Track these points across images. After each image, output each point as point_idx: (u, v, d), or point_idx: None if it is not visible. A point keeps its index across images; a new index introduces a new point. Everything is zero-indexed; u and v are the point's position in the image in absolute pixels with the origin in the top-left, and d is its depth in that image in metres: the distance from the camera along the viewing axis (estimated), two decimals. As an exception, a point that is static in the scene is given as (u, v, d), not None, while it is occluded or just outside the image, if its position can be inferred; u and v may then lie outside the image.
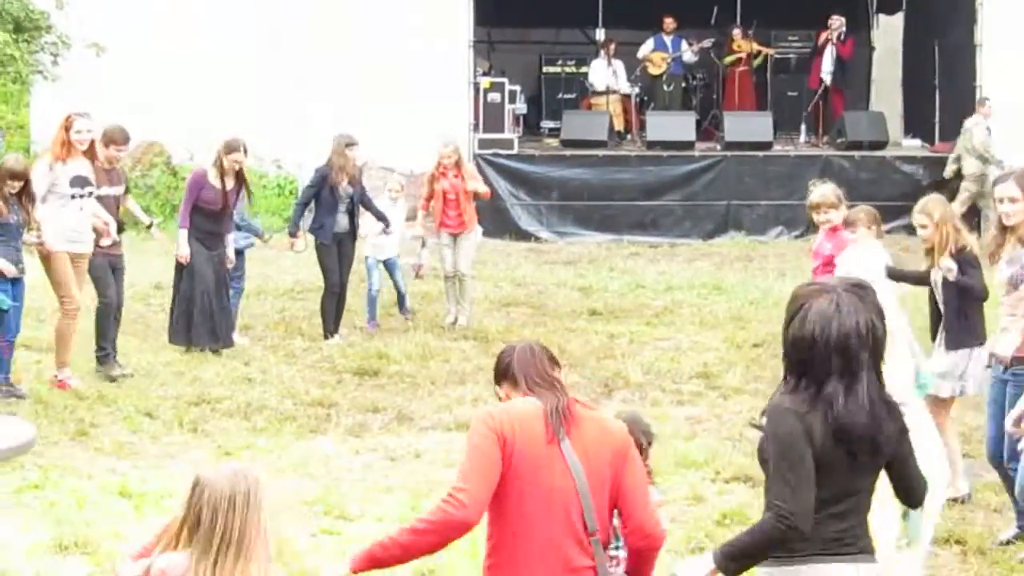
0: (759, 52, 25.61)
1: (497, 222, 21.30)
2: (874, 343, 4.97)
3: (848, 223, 10.72)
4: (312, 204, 14.73)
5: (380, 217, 15.00)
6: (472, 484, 5.10)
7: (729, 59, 25.58)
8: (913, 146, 24.08)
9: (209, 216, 13.62)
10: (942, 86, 23.75)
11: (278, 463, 10.51)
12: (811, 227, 21.21)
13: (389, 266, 15.48)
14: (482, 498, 5.11)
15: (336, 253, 14.63)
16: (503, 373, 5.46)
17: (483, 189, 15.87)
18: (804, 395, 4.98)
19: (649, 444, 6.80)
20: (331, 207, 14.54)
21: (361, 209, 14.89)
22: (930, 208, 9.87)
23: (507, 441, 5.15)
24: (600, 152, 22.49)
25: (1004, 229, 8.86)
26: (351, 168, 14.62)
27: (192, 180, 13.82)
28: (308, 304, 15.88)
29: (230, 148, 13.62)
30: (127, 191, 13.50)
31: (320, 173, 14.67)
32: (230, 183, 13.64)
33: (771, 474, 5.01)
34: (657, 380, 13.20)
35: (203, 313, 13.52)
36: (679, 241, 21.62)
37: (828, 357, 4.93)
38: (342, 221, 14.62)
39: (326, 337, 14.44)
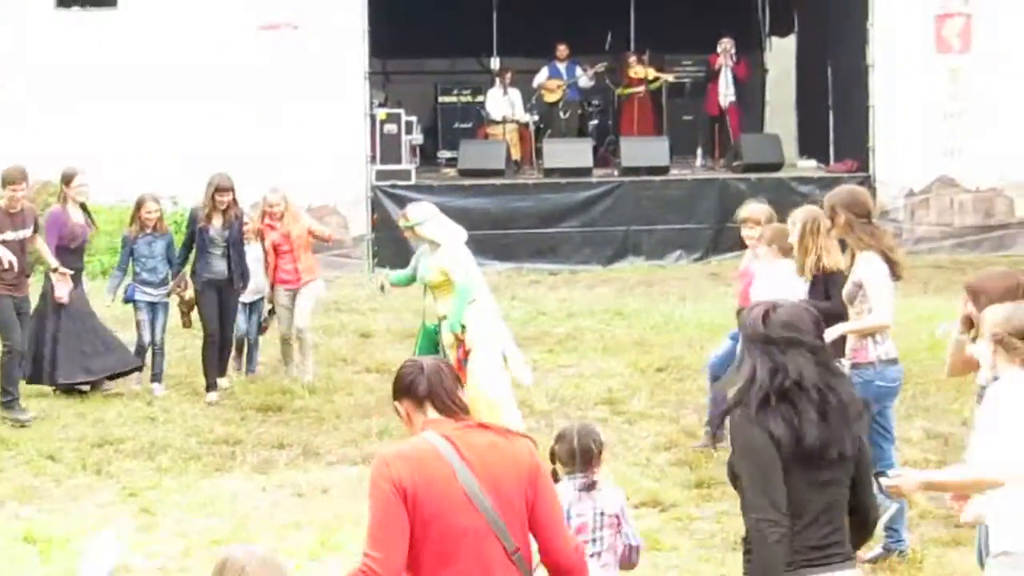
0: (656, 78, 25.87)
1: (397, 253, 21.29)
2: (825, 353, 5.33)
3: (768, 241, 10.93)
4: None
5: (240, 269, 13.85)
6: (385, 550, 5.03)
7: (626, 90, 25.82)
8: (809, 167, 24.43)
9: (74, 253, 13.62)
10: (836, 106, 24.14)
11: (184, 502, 10.52)
12: (710, 249, 22.03)
13: (250, 311, 14.53)
14: (397, 563, 5.05)
15: (215, 300, 13.74)
16: (406, 390, 5.32)
17: (325, 231, 14.97)
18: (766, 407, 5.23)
19: (600, 452, 7.10)
20: (204, 251, 13.66)
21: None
22: (794, 217, 10.14)
23: (408, 493, 5.06)
24: (498, 181, 22.62)
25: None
26: (229, 210, 13.62)
27: (51, 219, 13.54)
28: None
29: (68, 177, 13.57)
30: (35, 231, 13.28)
31: (191, 214, 14.10)
32: (80, 215, 13.61)
33: (747, 487, 5.24)
34: (562, 407, 13.32)
35: (67, 350, 13.48)
36: (579, 268, 21.77)
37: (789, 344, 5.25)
38: (218, 266, 13.69)
39: (207, 390, 13.62)
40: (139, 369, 13.98)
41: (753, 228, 11.28)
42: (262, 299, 14.52)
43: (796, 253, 9.91)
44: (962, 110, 21.87)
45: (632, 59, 25.81)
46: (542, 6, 26.03)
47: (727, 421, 5.41)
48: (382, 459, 5.17)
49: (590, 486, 7.06)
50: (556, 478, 6.78)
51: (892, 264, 9.11)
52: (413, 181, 22.34)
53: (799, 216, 10.00)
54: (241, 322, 14.31)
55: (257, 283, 14.27)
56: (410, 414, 5.32)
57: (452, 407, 5.27)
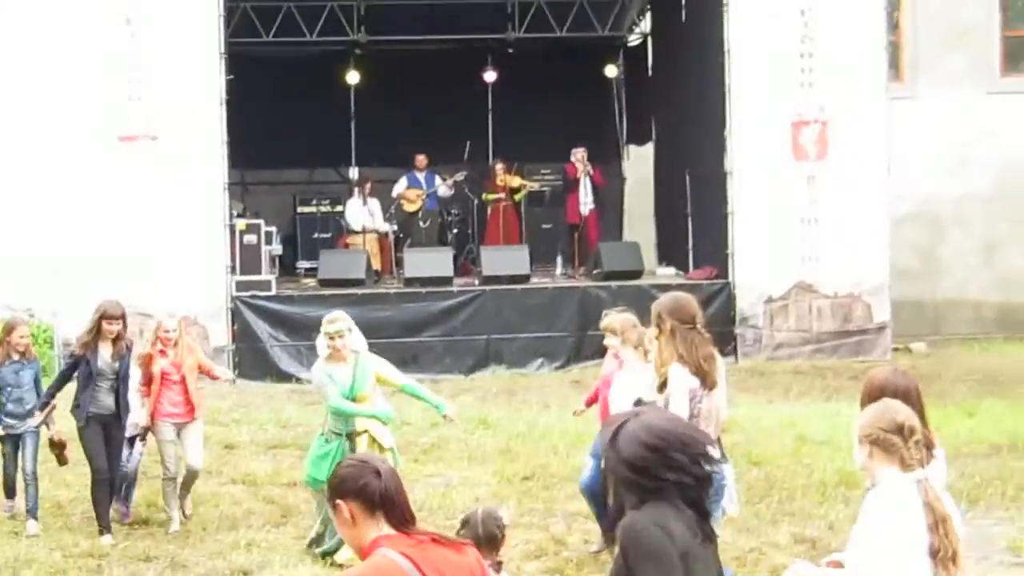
0: (521, 186, 26.23)
1: (257, 364, 21.43)
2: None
3: (607, 330, 11.35)
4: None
5: (126, 403, 12.90)
6: None
7: (491, 196, 26.16)
8: (668, 274, 24.80)
9: None
10: (694, 214, 24.53)
11: (50, 618, 10.42)
12: (572, 357, 22.25)
13: (131, 443, 13.33)
14: None
15: (100, 435, 12.72)
16: (358, 491, 5.04)
17: (216, 369, 14.14)
18: (653, 507, 5.03)
19: (503, 536, 7.51)
20: (89, 383, 12.68)
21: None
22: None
23: None
24: (358, 291, 22.62)
25: None
26: (119, 339, 12.76)
27: None
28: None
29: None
30: None
31: (77, 342, 13.11)
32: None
33: None
34: (430, 517, 13.30)
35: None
36: (441, 377, 21.76)
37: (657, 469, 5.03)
38: (105, 400, 12.74)
39: (100, 533, 12.56)
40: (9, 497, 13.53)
41: (609, 338, 11.55)
42: (137, 435, 13.33)
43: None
44: (819, 216, 22.23)
45: (499, 167, 26.19)
46: (400, 116, 26.43)
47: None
48: None
49: (497, 567, 7.41)
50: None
51: (703, 375, 9.24)
52: (273, 291, 22.35)
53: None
54: (124, 455, 13.19)
55: (135, 415, 13.19)
56: (356, 516, 5.03)
57: (406, 519, 5.07)
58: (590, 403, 12.41)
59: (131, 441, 13.24)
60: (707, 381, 9.23)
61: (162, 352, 13.10)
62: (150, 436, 13.29)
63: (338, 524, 5.12)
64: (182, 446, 13.20)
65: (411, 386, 12.08)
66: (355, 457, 5.36)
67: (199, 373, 13.44)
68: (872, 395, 7.17)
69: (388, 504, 5.00)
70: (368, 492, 5.00)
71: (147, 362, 13.03)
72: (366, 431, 11.50)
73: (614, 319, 11.66)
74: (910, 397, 7.11)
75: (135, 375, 13.09)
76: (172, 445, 13.12)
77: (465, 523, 7.59)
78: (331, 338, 11.60)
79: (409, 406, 19.33)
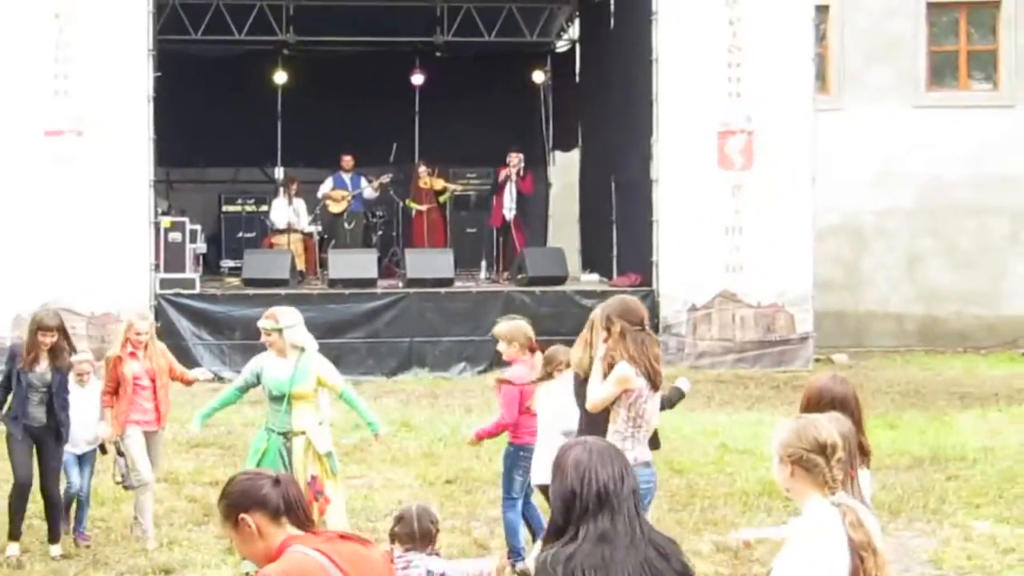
0: (444, 189, 26.28)
1: (180, 362, 21.30)
2: (635, 488, 5.15)
3: (549, 362, 11.04)
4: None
5: (59, 420, 12.04)
6: None
7: (413, 204, 26.21)
8: (591, 280, 24.94)
9: None
10: (619, 221, 24.68)
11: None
12: (495, 362, 22.24)
13: (82, 464, 12.67)
14: None
15: (29, 448, 12.02)
16: (260, 502, 5.03)
17: (189, 373, 13.31)
18: (580, 542, 5.02)
19: (437, 531, 7.83)
20: (20, 395, 11.98)
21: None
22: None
23: None
24: (282, 291, 22.50)
25: None
26: (56, 351, 11.98)
27: None
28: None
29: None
30: None
31: (10, 351, 12.51)
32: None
33: None
34: (352, 519, 13.30)
35: None
36: (363, 379, 21.69)
37: (591, 503, 5.05)
38: (35, 413, 12.00)
39: (10, 538, 11.97)
40: None
41: (499, 344, 11.65)
42: (96, 449, 12.73)
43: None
44: (744, 226, 22.40)
45: (422, 169, 26.23)
46: (327, 117, 26.43)
47: None
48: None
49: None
50: None
51: (652, 375, 9.27)
52: (197, 290, 22.34)
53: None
54: (73, 477, 12.49)
55: (91, 430, 12.56)
56: (261, 527, 5.00)
57: (307, 520, 5.10)
58: (483, 437, 12.10)
59: (81, 459, 12.60)
60: (655, 382, 9.29)
61: (132, 355, 12.50)
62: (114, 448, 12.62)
63: (240, 541, 5.07)
64: (153, 454, 12.75)
65: (350, 396, 11.85)
66: (247, 472, 5.29)
67: (170, 379, 12.90)
68: (811, 401, 7.25)
69: (292, 509, 5.01)
70: (271, 501, 4.99)
71: (114, 365, 12.44)
72: (304, 432, 11.31)
73: (503, 328, 11.70)
74: (848, 404, 7.18)
75: (91, 388, 12.65)
76: (144, 452, 12.53)
77: (400, 519, 7.81)
78: (263, 334, 11.55)
79: (330, 408, 19.45)
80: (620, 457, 5.18)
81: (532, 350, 11.47)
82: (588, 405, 9.28)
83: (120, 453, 12.43)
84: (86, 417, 12.42)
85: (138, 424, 12.49)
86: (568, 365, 10.44)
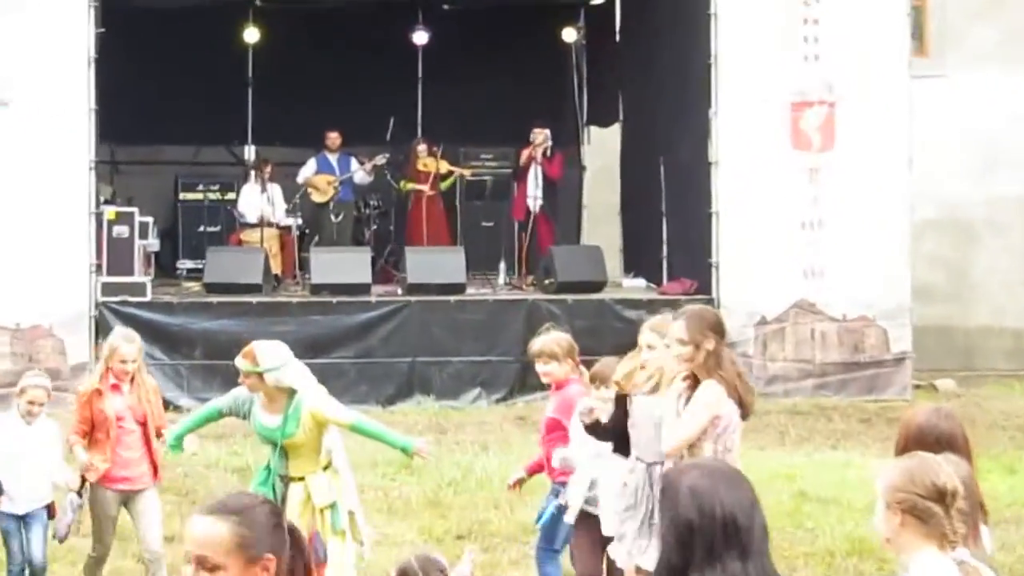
0: (449, 173, 26.12)
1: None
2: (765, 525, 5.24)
3: (596, 379, 10.98)
4: None
5: None
6: None
7: (410, 185, 26.05)
8: (636, 287, 24.81)
9: None
10: (670, 213, 24.49)
11: None
12: (516, 388, 22.12)
13: (27, 524, 12.00)
14: None
15: None
16: (282, 550, 4.97)
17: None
18: None
19: None
20: None
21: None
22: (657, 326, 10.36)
23: None
24: (253, 299, 22.47)
25: None
26: None
27: None
28: None
29: None
30: None
31: None
32: None
33: None
34: (340, 584, 13.21)
35: None
36: (354, 408, 21.54)
37: (716, 538, 5.14)
38: None
39: None
40: None
41: (548, 363, 11.43)
42: (47, 507, 12.12)
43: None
44: (824, 219, 22.22)
45: (421, 148, 26.12)
46: (309, 85, 26.40)
47: None
48: None
49: None
50: None
51: (746, 401, 9.49)
52: (148, 297, 22.14)
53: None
54: (14, 548, 11.94)
55: (39, 481, 12.03)
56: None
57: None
58: (533, 472, 12.15)
59: (26, 521, 11.97)
60: (747, 409, 9.52)
61: (115, 388, 11.97)
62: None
63: None
64: (134, 521, 12.30)
65: (364, 425, 11.38)
66: (273, 505, 5.15)
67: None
68: (909, 442, 7.13)
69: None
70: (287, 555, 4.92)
71: (90, 401, 11.91)
72: (303, 479, 11.12)
73: (550, 340, 11.55)
74: (956, 445, 7.07)
75: (46, 426, 12.06)
76: (110, 520, 12.11)
77: (403, 574, 7.58)
78: (241, 377, 11.14)
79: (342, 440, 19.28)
80: (747, 483, 5.29)
81: (578, 365, 11.47)
82: (670, 445, 9.43)
83: (80, 497, 11.88)
84: (31, 465, 11.82)
85: (118, 482, 11.94)
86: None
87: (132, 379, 12.02)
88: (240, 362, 11.05)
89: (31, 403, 11.89)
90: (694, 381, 9.45)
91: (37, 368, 15.72)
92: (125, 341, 12.12)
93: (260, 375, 10.94)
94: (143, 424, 11.98)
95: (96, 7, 21.63)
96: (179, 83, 25.99)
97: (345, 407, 11.60)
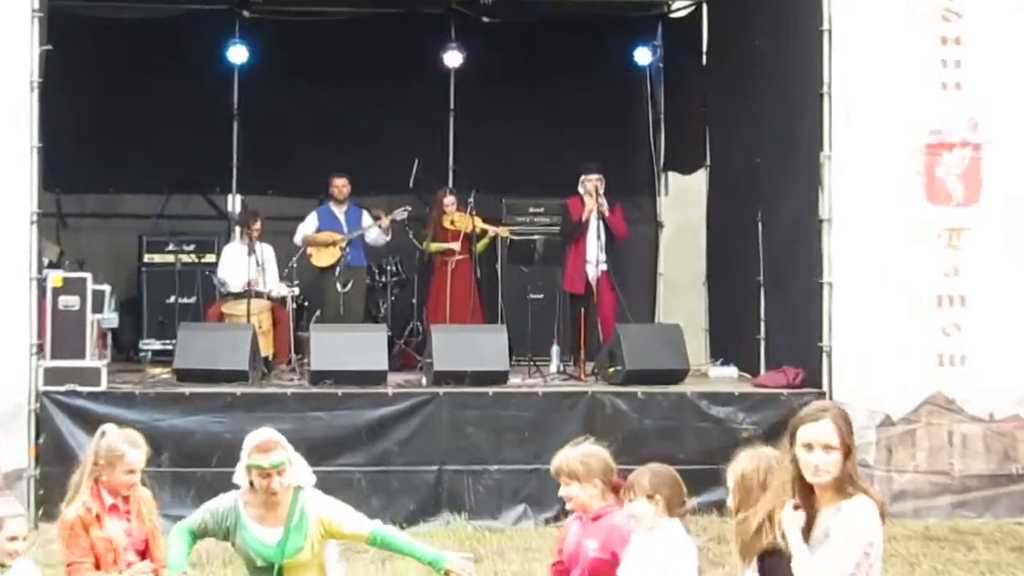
0: (483, 231, 26.09)
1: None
2: None
3: (628, 489, 11.03)
4: None
5: None
6: None
7: (435, 246, 26.06)
8: (726, 377, 24.82)
9: None
10: (770, 284, 24.56)
11: None
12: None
13: None
14: None
15: None
16: None
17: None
18: None
19: None
20: None
21: None
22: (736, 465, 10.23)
23: None
24: (238, 389, 22.38)
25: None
26: None
27: None
28: None
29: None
30: None
31: None
32: None
33: None
34: None
35: None
36: (367, 526, 21.66)
37: None
38: None
39: None
40: None
41: (569, 485, 11.38)
42: None
43: (738, 525, 10.01)
44: (967, 293, 22.15)
45: (448, 200, 26.05)
46: (310, 117, 26.46)
47: None
48: None
49: None
50: None
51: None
52: (103, 386, 22.07)
53: (742, 464, 10.13)
54: None
55: None
56: None
57: None
58: None
59: None
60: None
61: (113, 509, 11.56)
62: None
63: None
64: None
65: (385, 533, 11.49)
66: None
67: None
68: None
69: None
70: None
71: (83, 529, 11.37)
72: None
73: (573, 456, 11.47)
74: None
75: (23, 570, 11.65)
76: None
77: None
78: (264, 475, 11.18)
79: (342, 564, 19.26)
80: None
81: (615, 489, 11.35)
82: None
83: None
84: None
85: None
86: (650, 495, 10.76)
87: (131, 488, 11.68)
88: (267, 457, 11.16)
89: (12, 539, 11.49)
90: (807, 503, 9.36)
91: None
92: (131, 445, 11.68)
93: (280, 468, 11.15)
94: (144, 553, 11.68)
95: (41, 18, 21.66)
96: (145, 115, 26.09)
97: (360, 514, 11.62)
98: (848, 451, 9.21)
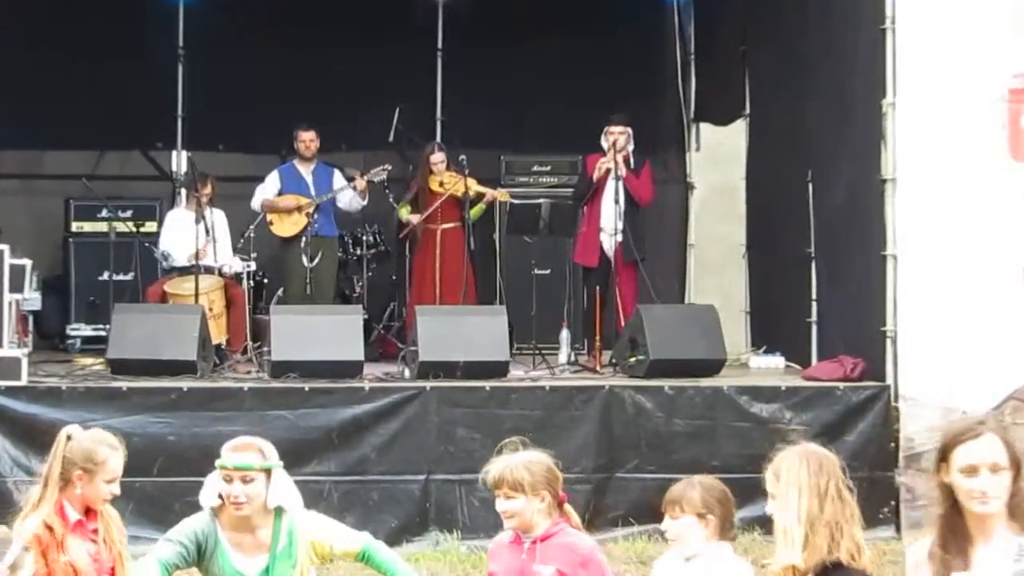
0: (480, 196, 26.09)
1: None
2: None
3: (672, 504, 11.11)
4: None
5: None
6: None
7: (405, 212, 26.08)
8: (769, 368, 25.01)
9: None
10: (824, 256, 24.66)
11: None
12: (585, 519, 22.04)
13: None
14: None
15: None
16: None
17: None
18: None
19: None
20: None
21: None
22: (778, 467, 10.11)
23: None
24: (185, 383, 22.37)
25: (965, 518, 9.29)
26: None
27: None
28: None
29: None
30: None
31: None
32: None
33: None
34: None
35: None
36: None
37: None
38: None
39: None
40: None
41: (511, 499, 11.38)
42: None
43: (784, 534, 9.98)
44: (1057, 265, 22.24)
45: (437, 157, 26.06)
46: (270, 60, 26.48)
47: None
48: None
49: None
50: None
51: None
52: (23, 380, 22.17)
53: (788, 462, 10.07)
54: None
55: None
56: None
57: None
58: None
59: None
60: None
61: (79, 526, 11.44)
62: None
63: None
64: None
65: (375, 549, 11.88)
66: None
67: None
68: None
69: None
70: None
71: (43, 552, 11.16)
72: None
73: (518, 464, 11.52)
74: None
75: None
76: None
77: None
78: (227, 478, 11.39)
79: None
80: None
81: (561, 504, 11.49)
82: None
83: None
84: None
85: None
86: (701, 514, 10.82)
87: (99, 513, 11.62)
88: (238, 457, 11.41)
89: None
90: (957, 542, 9.36)
91: None
92: (111, 448, 11.61)
93: (268, 472, 11.38)
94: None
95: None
96: (73, 56, 26.21)
97: (349, 529, 11.84)
98: (1019, 469, 9.02)
